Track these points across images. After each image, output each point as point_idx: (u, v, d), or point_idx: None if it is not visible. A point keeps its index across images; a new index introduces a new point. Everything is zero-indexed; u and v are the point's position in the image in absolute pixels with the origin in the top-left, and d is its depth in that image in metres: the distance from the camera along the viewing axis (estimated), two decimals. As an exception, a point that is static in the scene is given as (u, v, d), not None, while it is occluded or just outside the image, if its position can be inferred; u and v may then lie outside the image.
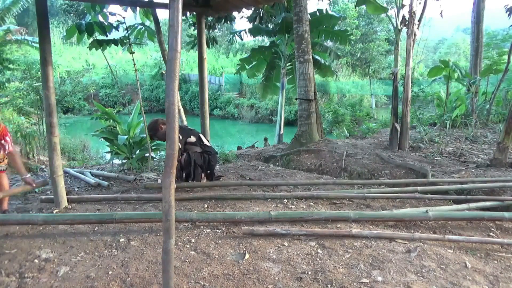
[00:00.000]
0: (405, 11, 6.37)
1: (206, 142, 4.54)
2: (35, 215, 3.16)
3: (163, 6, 5.66)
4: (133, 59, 5.43)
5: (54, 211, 3.49)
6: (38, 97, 10.83)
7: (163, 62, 19.43)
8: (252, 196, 3.88)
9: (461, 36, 45.91)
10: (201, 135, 4.55)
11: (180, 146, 4.19)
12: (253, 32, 12.10)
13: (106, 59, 6.87)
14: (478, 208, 3.53)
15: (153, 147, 5.74)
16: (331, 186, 4.52)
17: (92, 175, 5.05)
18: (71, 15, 30.73)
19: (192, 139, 4.33)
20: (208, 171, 4.54)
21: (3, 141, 3.22)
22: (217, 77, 27.12)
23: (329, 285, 2.19)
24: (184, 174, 4.33)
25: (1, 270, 2.35)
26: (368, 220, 3.16)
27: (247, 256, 2.54)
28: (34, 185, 3.33)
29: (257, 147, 10.30)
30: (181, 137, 4.20)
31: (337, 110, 13.51)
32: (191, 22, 9.87)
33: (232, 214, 3.21)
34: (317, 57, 11.19)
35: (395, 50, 6.94)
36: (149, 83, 27.71)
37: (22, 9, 12.59)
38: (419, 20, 6.51)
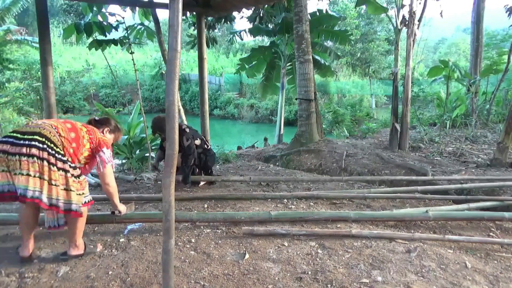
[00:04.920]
0: (405, 11, 6.39)
1: (207, 145, 4.55)
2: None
3: (163, 6, 5.66)
4: (133, 59, 5.44)
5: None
6: (38, 97, 10.85)
7: (163, 62, 19.46)
8: (252, 196, 3.88)
9: (461, 36, 45.84)
10: (203, 138, 4.56)
11: (195, 148, 4.21)
12: (253, 32, 12.11)
13: (106, 59, 6.89)
14: (478, 208, 3.53)
15: (153, 147, 5.75)
16: (337, 183, 4.59)
17: (92, 175, 5.05)
18: (71, 15, 30.74)
19: (198, 141, 4.35)
20: (206, 171, 4.55)
21: (98, 157, 2.45)
22: (217, 77, 27.12)
23: (329, 285, 2.19)
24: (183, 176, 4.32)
25: (1, 270, 2.35)
26: (368, 220, 3.16)
27: (247, 256, 2.54)
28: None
29: (257, 147, 10.31)
30: (193, 137, 4.22)
31: (337, 110, 13.51)
32: (191, 22, 9.88)
33: (232, 214, 3.21)
34: (317, 57, 11.20)
35: (395, 50, 6.95)
36: (149, 83, 27.71)
37: (22, 9, 12.59)
38: (419, 20, 6.51)
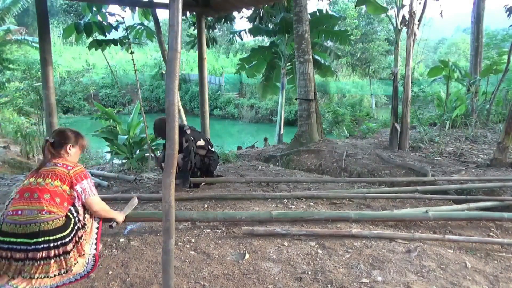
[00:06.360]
0: (405, 11, 6.38)
1: (212, 147, 4.54)
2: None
3: (163, 6, 5.67)
4: (132, 59, 5.42)
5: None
6: (38, 97, 10.85)
7: (163, 62, 19.46)
8: (252, 196, 3.88)
9: (461, 36, 45.79)
10: (208, 139, 4.56)
11: (194, 149, 4.19)
12: (253, 32, 12.11)
13: (106, 59, 6.88)
14: (478, 208, 3.53)
15: (153, 147, 5.74)
16: (337, 183, 4.58)
17: (92, 175, 5.05)
18: (71, 15, 30.77)
19: (201, 142, 4.34)
20: (208, 174, 4.54)
21: (76, 189, 2.18)
22: (217, 77, 27.12)
23: (329, 285, 2.19)
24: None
25: (1, 270, 2.35)
26: (368, 220, 3.16)
27: (247, 256, 2.54)
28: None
29: (257, 147, 10.30)
30: (193, 138, 4.20)
31: (337, 110, 13.51)
32: (191, 22, 9.89)
33: (232, 214, 3.21)
34: (317, 57, 11.19)
35: (395, 50, 6.95)
36: (149, 83, 27.70)
37: (22, 9, 12.60)
38: (419, 20, 6.51)
